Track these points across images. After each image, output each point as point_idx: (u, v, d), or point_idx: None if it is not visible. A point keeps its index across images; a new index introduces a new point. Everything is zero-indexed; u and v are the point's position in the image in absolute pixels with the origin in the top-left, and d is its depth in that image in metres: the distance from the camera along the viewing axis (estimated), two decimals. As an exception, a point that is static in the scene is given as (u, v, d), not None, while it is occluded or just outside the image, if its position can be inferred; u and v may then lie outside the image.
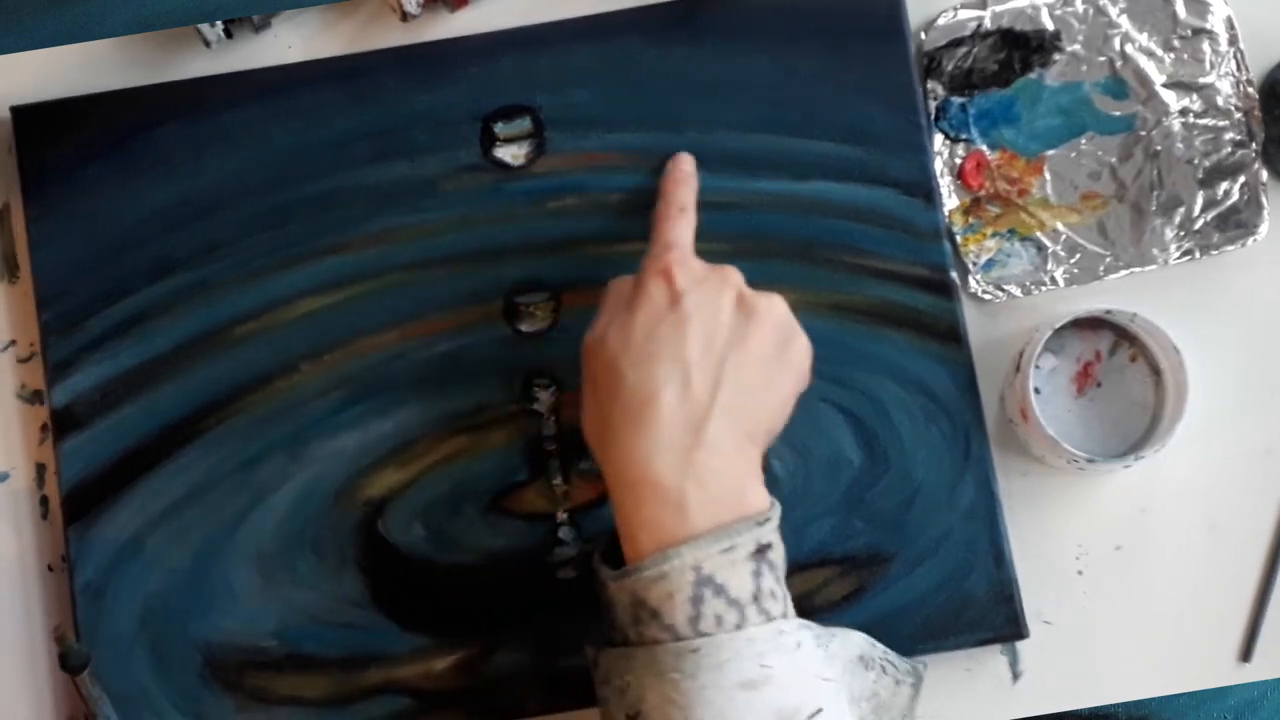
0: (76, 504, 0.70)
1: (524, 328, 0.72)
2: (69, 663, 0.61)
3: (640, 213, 0.70)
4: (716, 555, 0.59)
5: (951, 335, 0.71)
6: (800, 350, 0.65)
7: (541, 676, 0.70)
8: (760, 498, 0.62)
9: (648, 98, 0.72)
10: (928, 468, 0.70)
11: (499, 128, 0.73)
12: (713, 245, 0.68)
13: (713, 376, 0.62)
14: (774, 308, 0.64)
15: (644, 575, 0.59)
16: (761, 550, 0.60)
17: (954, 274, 0.72)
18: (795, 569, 0.70)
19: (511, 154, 0.73)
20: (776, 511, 0.62)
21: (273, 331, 0.72)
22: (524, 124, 0.73)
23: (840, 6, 0.73)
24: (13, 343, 0.73)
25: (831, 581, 0.70)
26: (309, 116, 0.73)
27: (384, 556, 0.70)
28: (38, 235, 0.72)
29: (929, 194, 0.72)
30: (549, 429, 0.71)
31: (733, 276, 0.64)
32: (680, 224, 0.67)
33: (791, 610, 0.61)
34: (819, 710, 0.58)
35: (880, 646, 0.65)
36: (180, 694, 0.70)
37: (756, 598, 0.59)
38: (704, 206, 0.71)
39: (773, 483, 0.70)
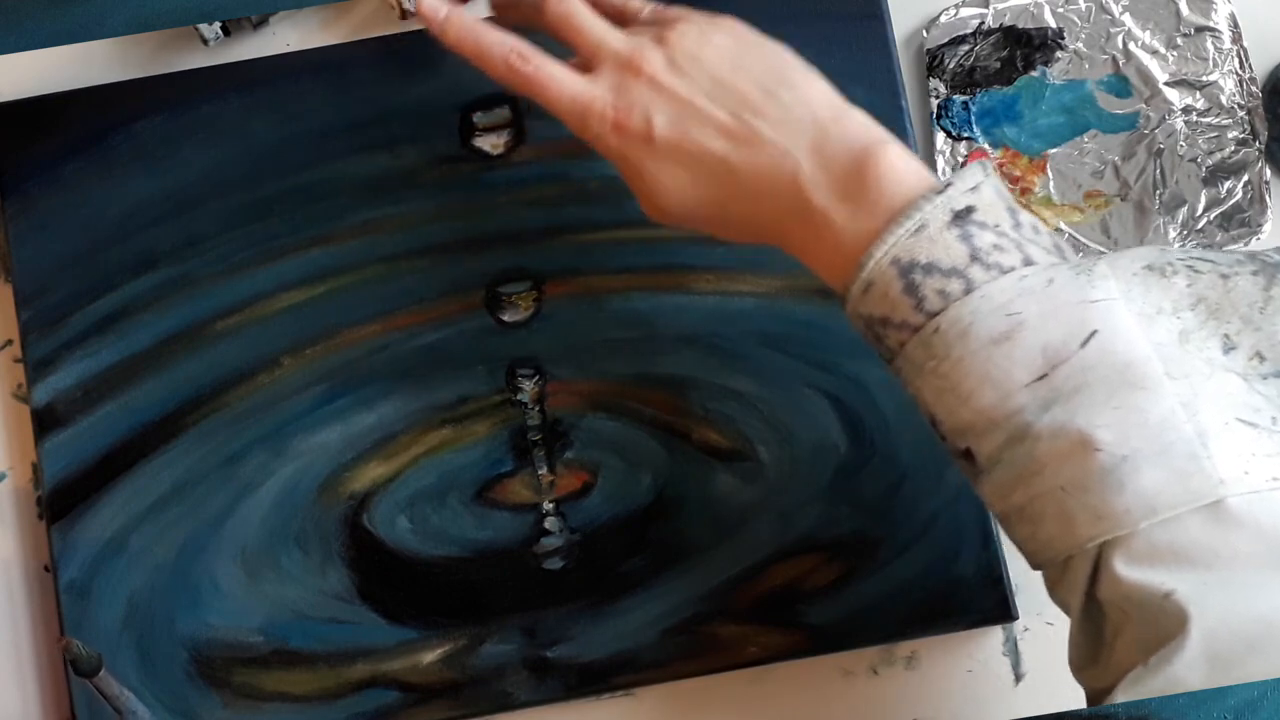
0: (59, 503, 0.70)
1: (506, 318, 0.72)
2: (81, 668, 0.61)
3: (620, 200, 0.69)
4: (907, 240, 0.55)
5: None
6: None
7: (530, 667, 0.69)
8: (891, 155, 0.58)
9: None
10: (914, 452, 0.70)
11: (478, 117, 0.72)
12: (689, 232, 0.67)
13: (736, 105, 0.60)
14: (687, 23, 0.62)
15: (854, 295, 0.57)
16: (960, 215, 0.56)
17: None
18: (781, 556, 0.70)
19: (491, 143, 0.72)
20: (969, 176, 0.57)
21: (254, 326, 0.71)
22: (503, 113, 0.72)
23: (819, -11, 0.73)
24: (9, 342, 0.72)
25: (819, 567, 0.70)
26: (288, 109, 0.73)
27: (369, 550, 0.70)
28: (16, 233, 0.72)
29: (911, 176, 0.72)
30: (533, 419, 0.71)
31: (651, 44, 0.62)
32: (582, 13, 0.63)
33: (1043, 255, 0.56)
34: (1094, 333, 0.53)
35: (1176, 250, 0.58)
36: (167, 692, 0.69)
37: (976, 257, 0.55)
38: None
39: (758, 469, 0.70)
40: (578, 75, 0.62)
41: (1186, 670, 0.50)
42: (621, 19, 0.65)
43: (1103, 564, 0.53)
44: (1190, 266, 0.56)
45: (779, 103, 0.60)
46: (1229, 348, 0.55)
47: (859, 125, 0.59)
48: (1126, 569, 0.52)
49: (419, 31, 0.72)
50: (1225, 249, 0.71)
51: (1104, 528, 0.52)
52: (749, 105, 0.60)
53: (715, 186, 0.60)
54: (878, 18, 0.73)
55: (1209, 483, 0.51)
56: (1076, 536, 0.53)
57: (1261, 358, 0.55)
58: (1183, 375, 0.53)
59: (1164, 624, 0.51)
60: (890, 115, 0.72)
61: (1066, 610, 0.56)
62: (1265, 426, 0.53)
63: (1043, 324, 0.54)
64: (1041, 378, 0.53)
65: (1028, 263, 0.55)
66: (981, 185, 0.57)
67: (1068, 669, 0.56)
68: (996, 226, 0.56)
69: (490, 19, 0.67)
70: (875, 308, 0.57)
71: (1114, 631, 0.53)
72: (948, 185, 0.56)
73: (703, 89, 0.60)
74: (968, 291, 0.55)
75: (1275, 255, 0.57)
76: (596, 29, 0.63)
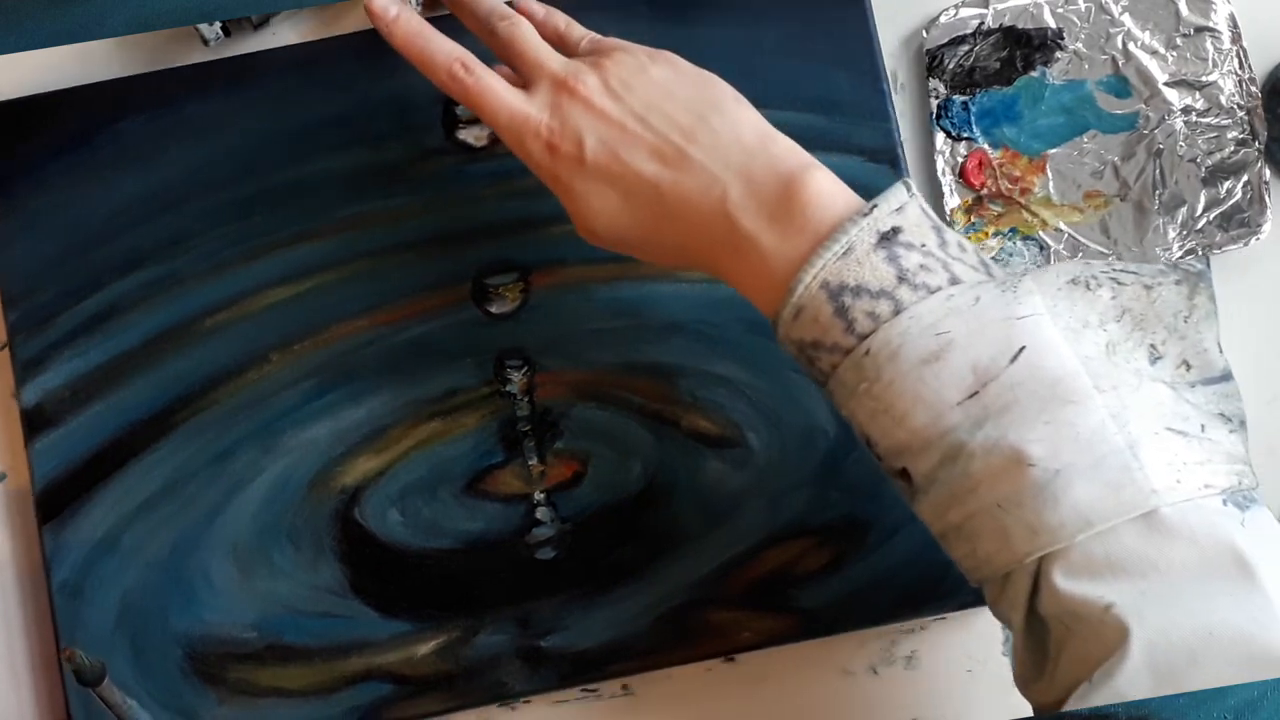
0: (50, 503, 0.70)
1: (493, 309, 0.72)
2: (84, 678, 0.61)
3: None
4: (835, 263, 0.56)
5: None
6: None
7: (524, 658, 0.69)
8: (816, 179, 0.58)
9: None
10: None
11: (460, 110, 0.72)
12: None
13: (664, 128, 0.60)
14: (621, 52, 0.63)
15: (784, 320, 0.57)
16: (886, 237, 0.56)
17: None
18: (772, 541, 0.70)
19: (474, 135, 0.73)
20: (892, 197, 0.57)
21: (242, 322, 0.71)
22: (486, 105, 0.72)
23: (800, -24, 0.73)
24: (6, 343, 0.72)
25: (810, 552, 0.70)
26: (272, 105, 0.73)
27: (361, 544, 0.70)
28: (3, 234, 0.72)
29: (894, 160, 0.72)
30: (523, 409, 0.71)
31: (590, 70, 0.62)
32: (527, 34, 0.64)
33: (970, 274, 0.56)
34: (1021, 349, 0.54)
35: (1100, 262, 0.59)
36: (162, 689, 0.69)
37: (903, 278, 0.56)
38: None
39: (747, 455, 0.70)
40: (517, 92, 0.62)
41: (1129, 684, 0.51)
42: (562, 46, 0.65)
43: (1042, 578, 0.53)
44: (1114, 279, 0.57)
45: (709, 128, 0.60)
46: (1156, 358, 0.56)
47: (786, 150, 0.60)
48: (1065, 582, 0.52)
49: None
50: (1222, 248, 0.72)
51: (1040, 542, 0.53)
52: (680, 130, 0.60)
53: (645, 210, 0.61)
54: (858, 3, 0.73)
55: (1141, 493, 0.52)
56: (1014, 552, 0.54)
57: (1188, 366, 0.56)
58: (1111, 387, 0.54)
59: (1105, 637, 0.52)
60: (873, 101, 0.72)
61: (1009, 625, 0.56)
62: (1195, 434, 0.54)
63: (971, 342, 0.54)
64: (972, 395, 0.54)
65: (954, 281, 0.56)
66: (906, 205, 0.57)
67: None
68: (923, 246, 0.56)
69: (438, 16, 0.67)
70: (806, 332, 0.57)
71: (1057, 646, 0.54)
72: (873, 207, 0.57)
73: (634, 113, 0.61)
74: (896, 313, 0.55)
75: (1196, 266, 0.59)
76: (539, 51, 0.63)
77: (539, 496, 0.71)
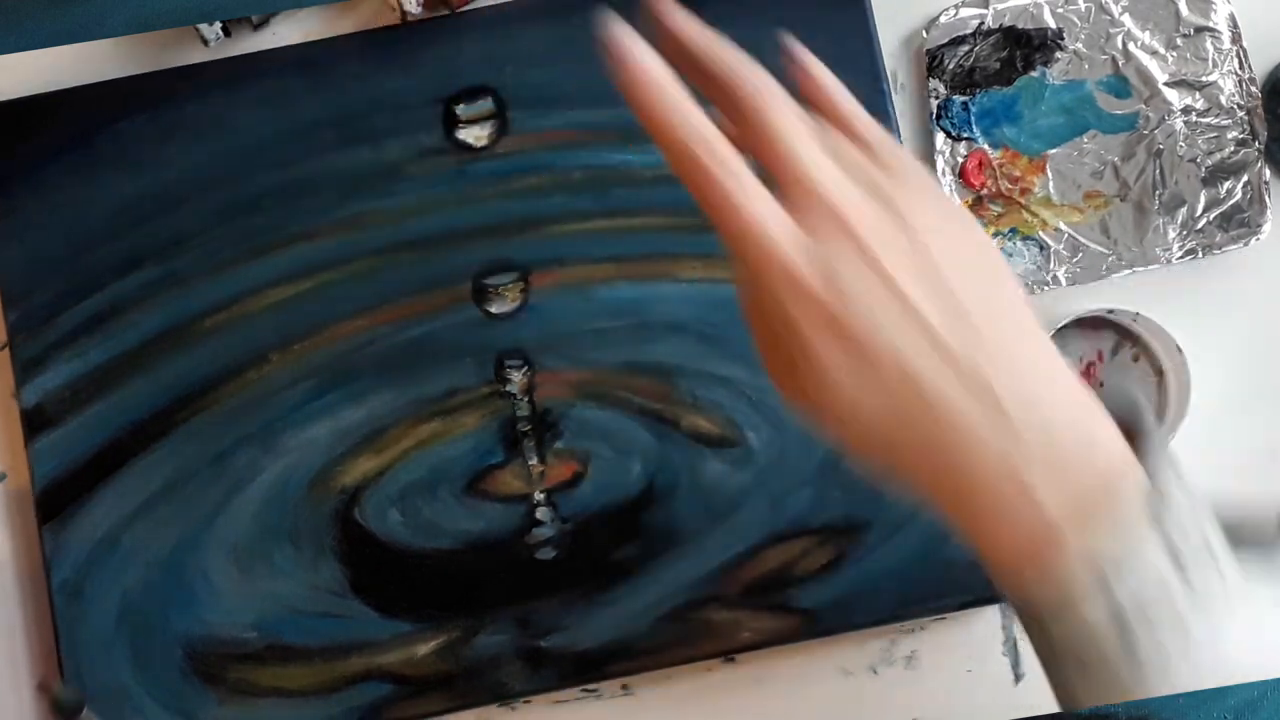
0: (50, 503, 0.70)
1: (493, 309, 0.72)
2: (63, 709, 0.61)
3: (605, 190, 0.69)
4: (1108, 541, 0.47)
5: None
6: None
7: (524, 657, 0.69)
8: (1106, 433, 0.48)
9: (609, 75, 0.72)
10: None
11: (461, 109, 0.72)
12: (675, 219, 0.68)
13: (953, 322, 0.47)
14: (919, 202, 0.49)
15: (1045, 602, 0.47)
16: (1158, 506, 0.47)
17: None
18: (772, 541, 0.70)
19: (474, 135, 0.72)
20: (1155, 450, 0.48)
21: (241, 322, 0.71)
22: (486, 104, 0.72)
23: (800, -23, 0.73)
24: (7, 343, 0.72)
25: (811, 551, 0.70)
26: (271, 105, 0.72)
27: (361, 544, 0.70)
28: (2, 234, 0.72)
29: (894, 160, 0.72)
30: (522, 409, 0.71)
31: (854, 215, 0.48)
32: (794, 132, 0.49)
33: (1220, 552, 0.47)
34: None
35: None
36: (162, 689, 0.69)
37: (1179, 566, 0.46)
38: (670, 181, 0.70)
39: (747, 455, 0.70)
40: (777, 205, 0.48)
41: None
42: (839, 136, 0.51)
43: None
44: None
45: (1006, 348, 0.48)
46: None
47: (1108, 436, 0.48)
48: None
49: (400, 24, 0.73)
50: (1222, 248, 0.72)
51: None
52: (971, 329, 0.47)
53: (901, 409, 0.48)
54: (858, 4, 0.73)
55: None
56: None
57: None
58: None
59: None
60: (872, 102, 0.72)
61: None
62: None
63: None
64: None
65: (1221, 576, 0.47)
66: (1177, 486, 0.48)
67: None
68: (1192, 542, 0.47)
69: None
70: (1067, 623, 0.47)
71: None
72: (1146, 466, 0.48)
73: (925, 288, 0.47)
74: (1174, 622, 0.46)
75: None
76: (806, 157, 0.48)
77: (539, 496, 0.71)
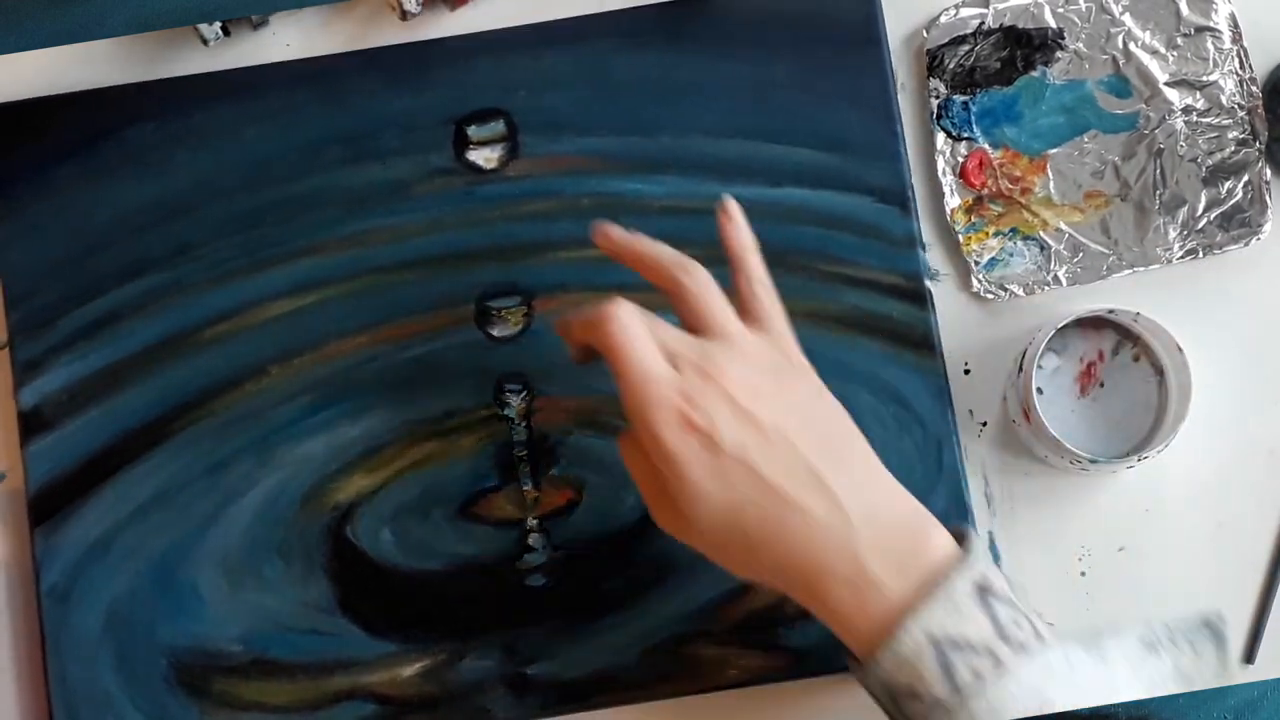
0: (43, 506, 0.70)
1: (495, 332, 0.71)
2: None
3: (612, 218, 0.69)
4: (942, 616, 0.57)
5: (925, 344, 0.71)
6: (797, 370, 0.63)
7: (508, 684, 0.69)
8: (939, 532, 0.59)
9: (622, 102, 0.72)
10: (900, 477, 0.69)
11: (472, 131, 0.72)
12: (686, 251, 0.67)
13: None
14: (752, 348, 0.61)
15: (882, 662, 0.57)
16: (983, 590, 0.58)
17: (928, 282, 0.71)
18: (764, 578, 0.69)
19: (484, 157, 0.72)
20: (977, 543, 0.60)
21: (242, 334, 0.71)
22: (497, 127, 0.72)
23: (817, 14, 0.72)
24: (7, 343, 0.72)
25: (801, 591, 0.69)
26: (281, 118, 0.72)
27: (352, 562, 0.70)
28: (6, 235, 0.72)
29: (904, 201, 0.71)
30: (520, 434, 0.71)
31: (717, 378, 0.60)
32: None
33: (1042, 628, 0.58)
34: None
35: (1157, 623, 0.61)
36: (145, 698, 0.69)
37: (1003, 636, 0.57)
38: (678, 212, 0.70)
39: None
40: (658, 355, 0.60)
41: None
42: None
43: None
44: (1172, 641, 0.60)
45: (845, 464, 0.60)
46: None
47: (908, 506, 0.60)
48: None
49: (412, 44, 0.73)
50: (1222, 248, 0.71)
51: None
52: (820, 454, 0.59)
53: (759, 523, 0.59)
54: (875, 42, 0.72)
55: None
56: None
57: None
58: None
59: None
60: (884, 141, 0.72)
61: None
62: None
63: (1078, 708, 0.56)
64: None
65: (1037, 634, 0.58)
66: (981, 551, 0.59)
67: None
68: (1003, 598, 0.58)
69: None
70: (904, 678, 0.57)
71: None
72: (968, 555, 0.59)
73: (777, 422, 0.59)
74: (999, 672, 0.56)
75: (1220, 621, 0.62)
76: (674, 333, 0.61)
77: (532, 523, 0.70)
